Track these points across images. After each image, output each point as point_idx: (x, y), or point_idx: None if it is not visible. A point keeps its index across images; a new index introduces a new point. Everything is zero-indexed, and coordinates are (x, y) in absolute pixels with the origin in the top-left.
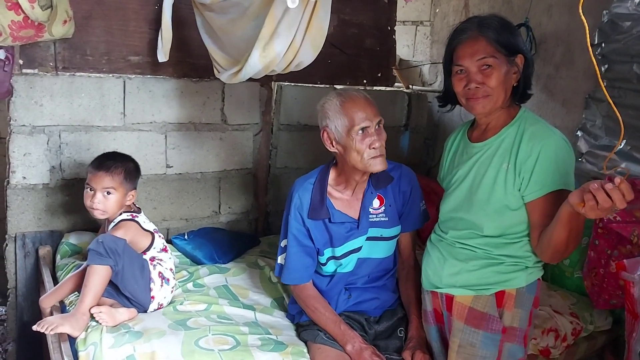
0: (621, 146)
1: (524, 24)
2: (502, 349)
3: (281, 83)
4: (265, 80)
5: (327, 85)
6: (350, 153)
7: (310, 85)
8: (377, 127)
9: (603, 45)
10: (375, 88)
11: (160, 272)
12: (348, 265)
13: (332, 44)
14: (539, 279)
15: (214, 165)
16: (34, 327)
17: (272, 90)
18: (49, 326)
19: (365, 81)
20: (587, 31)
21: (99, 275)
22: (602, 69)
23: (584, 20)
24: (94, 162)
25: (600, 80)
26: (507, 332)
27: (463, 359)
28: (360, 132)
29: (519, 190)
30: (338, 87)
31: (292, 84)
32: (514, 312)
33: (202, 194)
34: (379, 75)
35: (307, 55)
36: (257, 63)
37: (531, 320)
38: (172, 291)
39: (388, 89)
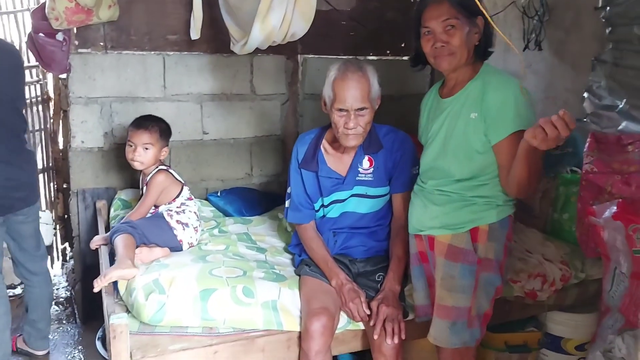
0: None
1: None
2: (478, 278)
3: (306, 56)
4: (291, 54)
5: (350, 57)
6: (331, 122)
7: (334, 56)
8: (357, 111)
9: (607, 8)
10: (397, 58)
11: (177, 220)
12: (332, 211)
13: (352, 19)
14: (510, 216)
15: (246, 131)
16: (95, 289)
17: (298, 62)
18: (104, 278)
19: (388, 52)
20: None
21: (122, 242)
22: (606, 31)
23: None
24: (134, 122)
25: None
26: (482, 263)
27: (446, 290)
28: (338, 110)
29: (485, 135)
30: (360, 58)
31: (316, 56)
32: (488, 245)
33: (235, 157)
34: (402, 45)
35: (299, 27)
36: (258, 35)
37: (506, 253)
38: (196, 231)
39: None
